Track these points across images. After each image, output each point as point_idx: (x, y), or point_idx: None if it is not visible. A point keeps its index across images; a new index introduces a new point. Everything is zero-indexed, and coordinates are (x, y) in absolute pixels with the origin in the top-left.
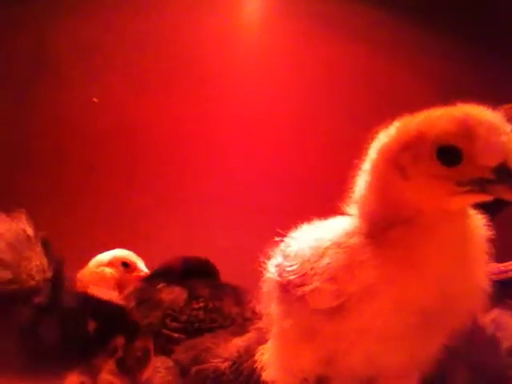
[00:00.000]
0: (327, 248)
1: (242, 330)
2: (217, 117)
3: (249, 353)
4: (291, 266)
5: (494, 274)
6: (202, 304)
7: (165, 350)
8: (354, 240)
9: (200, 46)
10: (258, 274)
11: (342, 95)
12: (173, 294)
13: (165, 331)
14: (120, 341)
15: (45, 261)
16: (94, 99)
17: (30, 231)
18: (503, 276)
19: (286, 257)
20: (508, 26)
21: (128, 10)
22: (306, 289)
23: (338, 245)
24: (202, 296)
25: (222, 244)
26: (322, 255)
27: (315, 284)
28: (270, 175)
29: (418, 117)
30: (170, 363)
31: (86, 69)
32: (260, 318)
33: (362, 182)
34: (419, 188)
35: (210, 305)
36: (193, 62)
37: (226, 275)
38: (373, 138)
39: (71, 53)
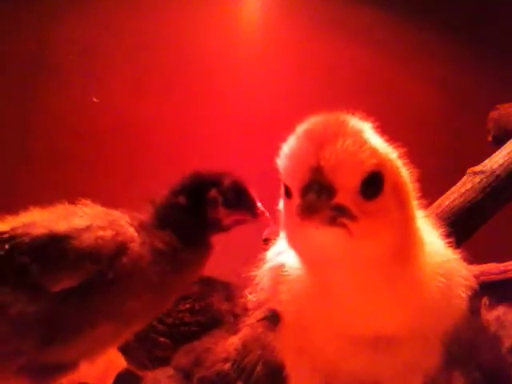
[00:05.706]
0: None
1: (235, 328)
2: (217, 117)
3: (246, 348)
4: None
5: (493, 274)
6: (188, 305)
7: (151, 356)
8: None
9: (200, 46)
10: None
11: (342, 94)
12: None
13: (152, 335)
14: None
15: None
16: (94, 99)
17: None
18: (503, 276)
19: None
20: (508, 25)
21: (128, 10)
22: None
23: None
24: (190, 296)
25: (222, 243)
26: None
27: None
28: (270, 175)
29: None
30: (171, 371)
31: (86, 69)
32: (251, 315)
33: None
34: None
35: (197, 306)
36: (193, 62)
37: (226, 275)
38: None
39: (71, 53)
